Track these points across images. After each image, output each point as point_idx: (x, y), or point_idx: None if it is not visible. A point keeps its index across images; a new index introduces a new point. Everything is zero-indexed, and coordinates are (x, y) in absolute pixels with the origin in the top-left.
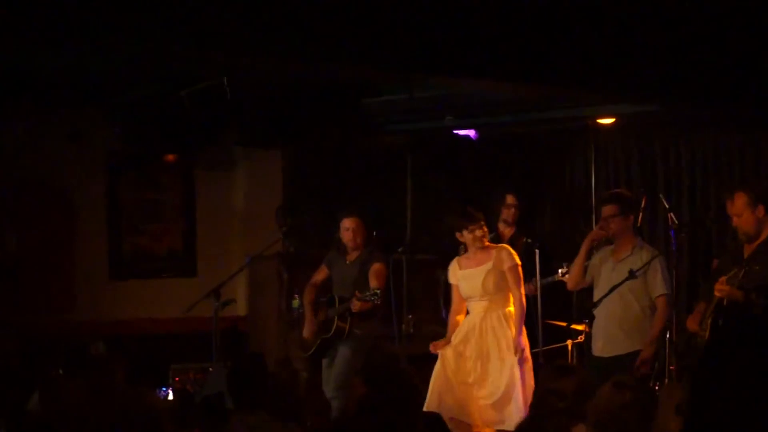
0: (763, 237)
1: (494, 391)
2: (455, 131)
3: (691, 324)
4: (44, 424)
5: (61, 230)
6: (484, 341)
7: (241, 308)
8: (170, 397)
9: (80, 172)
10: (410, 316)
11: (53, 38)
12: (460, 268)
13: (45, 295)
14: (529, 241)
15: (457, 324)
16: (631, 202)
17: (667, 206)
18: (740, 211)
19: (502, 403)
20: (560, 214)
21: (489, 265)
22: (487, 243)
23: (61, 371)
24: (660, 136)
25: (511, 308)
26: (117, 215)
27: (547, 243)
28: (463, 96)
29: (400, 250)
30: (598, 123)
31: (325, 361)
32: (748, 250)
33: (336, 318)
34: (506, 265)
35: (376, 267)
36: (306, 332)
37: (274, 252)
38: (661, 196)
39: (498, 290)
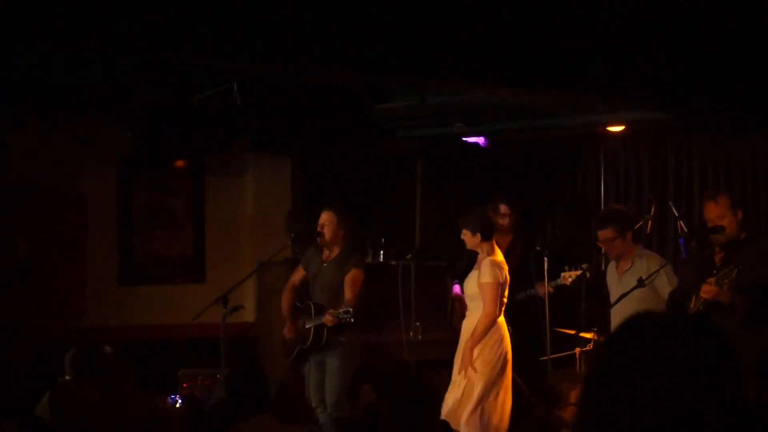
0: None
1: (448, 403)
2: (465, 138)
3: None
4: (53, 429)
5: (72, 235)
6: (459, 347)
7: (249, 314)
8: (179, 403)
9: (91, 178)
10: (418, 323)
11: (65, 44)
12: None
13: (55, 300)
14: (539, 248)
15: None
16: (626, 217)
17: (677, 214)
18: (724, 212)
19: (455, 417)
20: (570, 222)
21: (475, 273)
22: (482, 251)
23: (69, 376)
24: (670, 143)
25: (500, 319)
26: (128, 221)
27: (556, 250)
28: (474, 103)
29: (409, 256)
30: (608, 130)
31: (306, 369)
32: (719, 257)
33: (312, 329)
34: (483, 279)
35: (352, 274)
36: (286, 333)
37: (284, 258)
38: (670, 203)
39: (476, 299)
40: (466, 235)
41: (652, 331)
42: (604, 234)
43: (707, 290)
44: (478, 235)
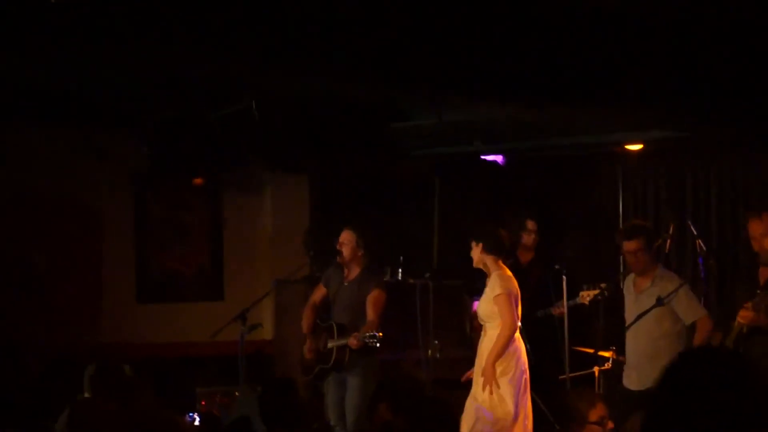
0: None
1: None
2: (483, 156)
3: (715, 341)
4: None
5: (89, 251)
6: (478, 365)
7: (267, 332)
8: (197, 421)
9: (108, 193)
10: (436, 342)
11: (83, 57)
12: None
13: (72, 317)
14: (557, 267)
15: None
16: (652, 232)
17: (695, 233)
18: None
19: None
20: (588, 240)
21: (486, 290)
22: (487, 267)
23: (88, 393)
24: (688, 161)
25: (515, 335)
26: (144, 237)
27: (573, 268)
28: (491, 121)
29: (427, 275)
30: (626, 149)
31: (326, 388)
32: (764, 275)
33: (335, 349)
34: (494, 294)
35: (374, 294)
36: (306, 353)
37: (301, 276)
38: (689, 222)
39: (489, 317)
40: (474, 249)
41: (705, 371)
42: (631, 245)
43: (744, 315)
44: (481, 245)
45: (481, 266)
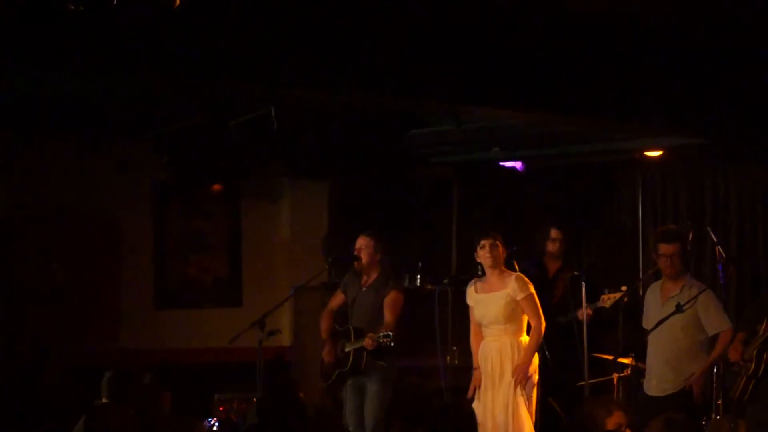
0: None
1: (496, 421)
2: (502, 163)
3: (733, 354)
4: None
5: (107, 259)
6: (496, 369)
7: (285, 338)
8: (215, 427)
9: (127, 202)
10: (455, 348)
11: (102, 69)
12: (476, 291)
13: (90, 324)
14: (576, 273)
15: (478, 347)
16: (687, 240)
17: (715, 239)
18: None
19: None
20: (607, 247)
21: (503, 293)
22: (503, 269)
23: (105, 399)
24: (707, 168)
25: (525, 337)
26: (163, 245)
27: (593, 275)
28: (510, 128)
29: (445, 281)
30: (645, 155)
31: (345, 393)
32: None
33: (351, 353)
34: (520, 296)
35: (392, 296)
36: (325, 356)
37: (320, 283)
38: (708, 229)
39: (510, 319)
40: (498, 248)
41: None
42: (669, 248)
43: None
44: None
45: (496, 266)
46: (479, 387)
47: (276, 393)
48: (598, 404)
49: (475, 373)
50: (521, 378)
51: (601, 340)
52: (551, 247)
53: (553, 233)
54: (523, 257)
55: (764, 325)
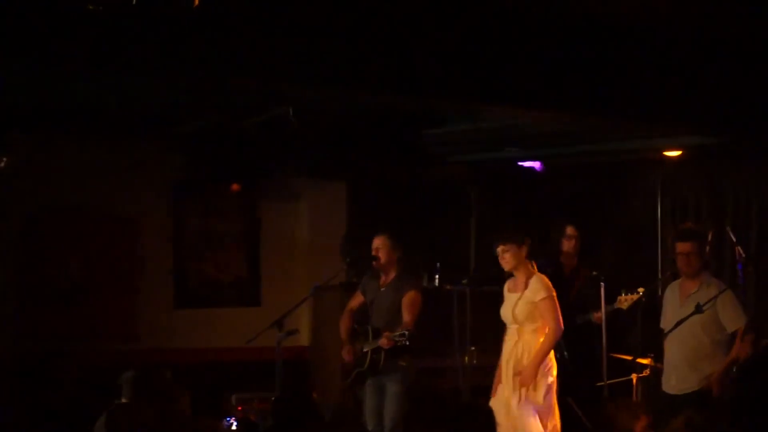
0: None
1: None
2: (520, 162)
3: (743, 353)
4: None
5: (126, 258)
6: (510, 369)
7: (304, 338)
8: (234, 426)
9: (145, 201)
10: (473, 348)
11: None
12: (508, 290)
13: (109, 323)
14: (595, 273)
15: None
16: (706, 240)
17: (734, 239)
18: None
19: None
20: (626, 247)
21: (523, 293)
22: (529, 269)
23: (126, 398)
24: (727, 168)
25: (542, 339)
26: (181, 244)
27: (612, 275)
28: (528, 127)
29: (464, 281)
30: (665, 155)
31: (364, 392)
32: None
33: (369, 352)
34: (539, 297)
35: (410, 296)
36: (345, 355)
37: (338, 282)
38: (728, 229)
39: (527, 320)
40: (512, 249)
41: None
42: (685, 247)
43: None
44: (524, 248)
45: (516, 269)
46: (499, 383)
47: (290, 394)
48: (622, 408)
49: (497, 371)
50: (525, 382)
51: (619, 341)
52: (567, 245)
53: (569, 230)
54: (539, 255)
55: None
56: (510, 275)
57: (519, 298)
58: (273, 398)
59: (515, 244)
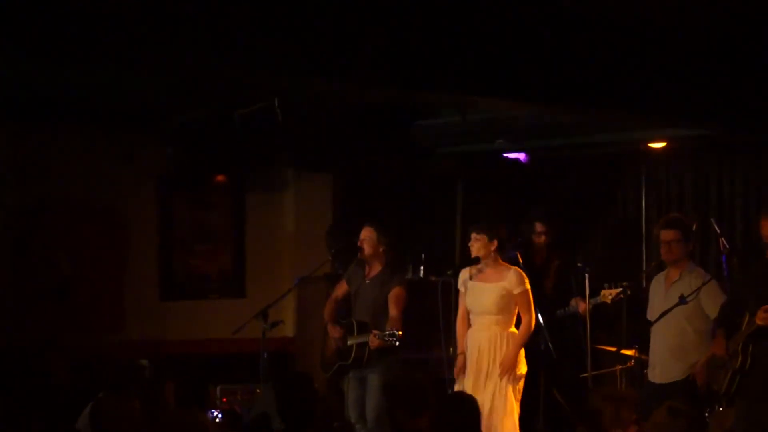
0: None
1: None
2: (506, 154)
3: (717, 349)
4: None
5: (113, 251)
6: (483, 358)
7: (289, 329)
8: (219, 418)
9: (132, 194)
10: None
11: (105, 60)
12: (470, 278)
13: (96, 315)
14: (579, 265)
15: (464, 333)
16: (690, 230)
17: (718, 231)
18: None
19: (488, 424)
20: (611, 238)
21: (499, 285)
22: (499, 261)
23: (109, 390)
24: (711, 160)
25: (514, 330)
26: (168, 236)
27: (597, 267)
28: (514, 119)
29: (449, 272)
30: (649, 147)
31: (346, 386)
32: None
33: (354, 347)
34: (516, 290)
35: (396, 292)
36: (332, 332)
37: (324, 273)
38: (712, 220)
39: (502, 311)
40: (482, 240)
41: None
42: (668, 234)
43: (763, 318)
44: (495, 242)
45: (483, 259)
46: (462, 373)
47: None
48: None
49: (459, 358)
50: (507, 369)
51: (608, 333)
52: (536, 240)
53: (538, 227)
54: (511, 247)
55: (746, 319)
56: (476, 261)
57: (492, 289)
58: (260, 389)
59: (486, 237)
